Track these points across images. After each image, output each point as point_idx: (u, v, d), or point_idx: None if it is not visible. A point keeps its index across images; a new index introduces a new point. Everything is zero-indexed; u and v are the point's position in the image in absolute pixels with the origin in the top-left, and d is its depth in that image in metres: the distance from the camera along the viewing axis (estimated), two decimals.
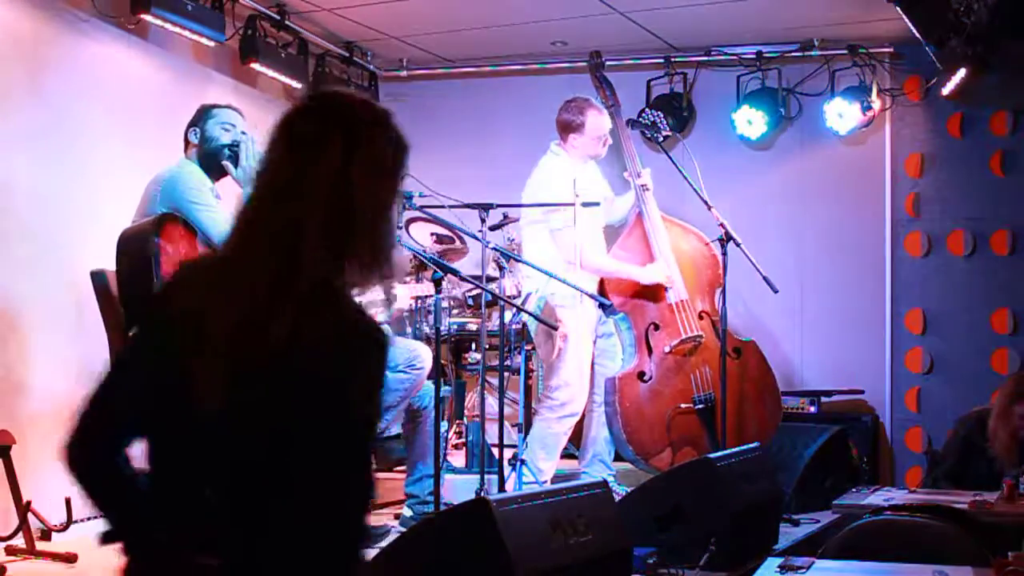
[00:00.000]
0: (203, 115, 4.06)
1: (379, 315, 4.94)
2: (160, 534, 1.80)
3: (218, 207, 3.90)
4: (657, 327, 5.42)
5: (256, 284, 1.79)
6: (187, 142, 4.05)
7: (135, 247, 3.70)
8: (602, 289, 5.37)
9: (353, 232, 1.84)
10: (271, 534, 1.75)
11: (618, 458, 5.53)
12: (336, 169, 1.82)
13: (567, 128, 5.34)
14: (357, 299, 1.89)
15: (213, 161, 4.01)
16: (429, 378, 4.70)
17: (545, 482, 5.11)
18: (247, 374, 1.76)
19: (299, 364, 1.75)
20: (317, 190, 1.81)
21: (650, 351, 5.38)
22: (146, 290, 3.59)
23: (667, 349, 5.39)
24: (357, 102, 1.92)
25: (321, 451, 1.75)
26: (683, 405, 5.36)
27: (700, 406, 5.36)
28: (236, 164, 3.99)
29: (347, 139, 1.84)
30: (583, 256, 5.18)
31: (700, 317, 5.50)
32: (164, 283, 1.93)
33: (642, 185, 5.54)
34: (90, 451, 1.88)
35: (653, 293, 5.43)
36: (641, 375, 5.35)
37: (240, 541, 1.76)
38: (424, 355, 4.63)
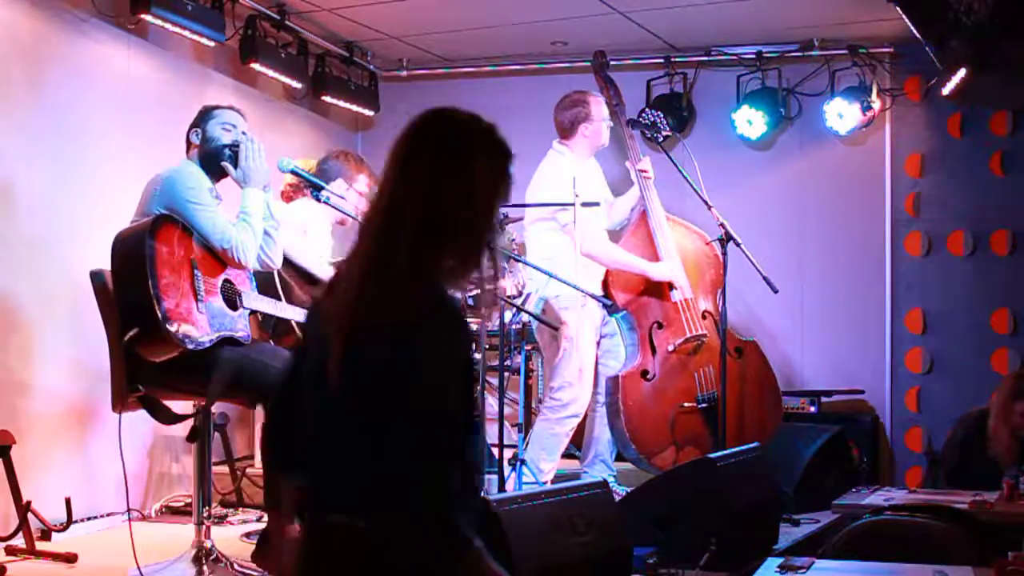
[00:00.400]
0: (205, 116, 4.06)
1: None
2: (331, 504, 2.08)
3: (216, 207, 3.89)
4: (661, 326, 5.42)
5: (354, 280, 2.09)
6: (189, 143, 4.05)
7: (129, 248, 3.68)
8: (606, 288, 5.38)
9: (446, 237, 2.08)
10: (382, 496, 2.03)
11: (619, 458, 5.53)
12: (431, 181, 2.07)
13: (575, 121, 5.35)
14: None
15: (214, 162, 4.00)
16: None
17: (545, 483, 5.11)
18: (351, 354, 2.04)
19: (381, 339, 2.03)
20: (414, 200, 2.06)
21: (653, 350, 5.38)
22: (140, 292, 3.58)
23: (671, 348, 5.38)
24: (456, 119, 2.15)
25: (405, 419, 2.02)
26: (686, 404, 5.36)
27: (703, 405, 5.36)
28: (235, 165, 3.98)
29: (443, 153, 2.10)
30: (596, 246, 5.18)
31: (703, 317, 5.50)
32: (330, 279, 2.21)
33: (641, 171, 5.53)
34: (287, 437, 2.17)
35: (657, 292, 5.43)
36: (644, 373, 5.35)
37: (364, 502, 2.04)
38: None
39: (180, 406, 4.05)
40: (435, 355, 2.02)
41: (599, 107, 5.41)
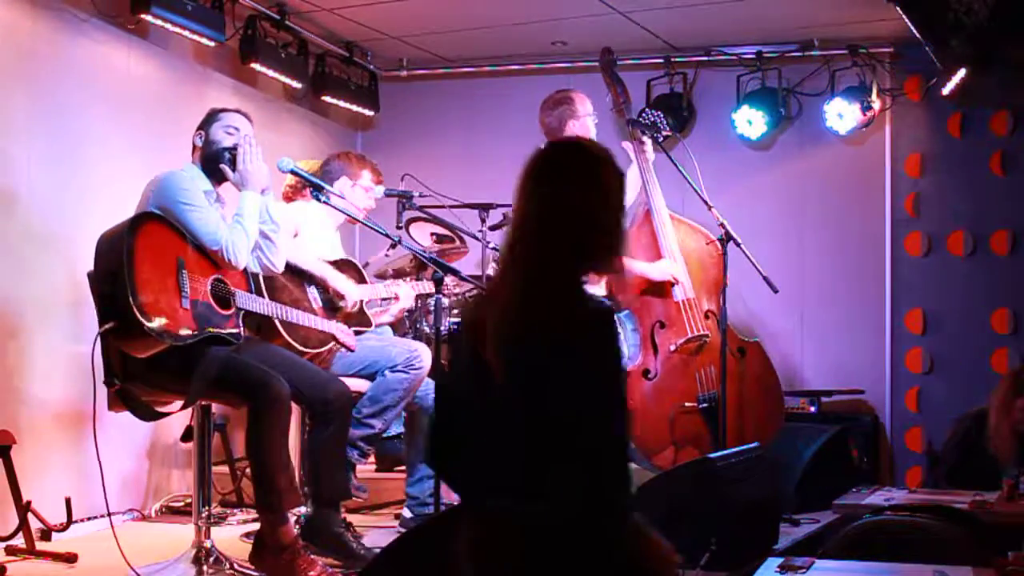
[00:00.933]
0: (209, 119, 4.06)
1: (382, 316, 4.99)
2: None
3: (208, 209, 3.88)
4: (663, 325, 5.41)
5: (513, 296, 2.40)
6: (193, 146, 4.06)
7: (109, 245, 3.70)
8: (609, 287, 5.37)
9: (590, 253, 2.43)
10: (552, 474, 2.30)
11: None
12: (575, 206, 2.40)
13: (563, 120, 5.33)
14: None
15: (215, 165, 4.00)
16: (430, 377, 4.70)
17: None
18: (517, 360, 2.34)
19: (547, 344, 2.33)
20: (561, 224, 2.40)
21: (655, 349, 5.38)
22: (116, 285, 3.58)
23: (673, 348, 5.38)
24: (587, 148, 2.51)
25: (572, 405, 2.30)
26: (687, 404, 5.35)
27: (704, 405, 5.35)
28: (233, 168, 3.98)
29: (581, 181, 2.44)
30: None
31: (706, 317, 5.48)
32: (472, 297, 2.49)
33: (641, 150, 5.50)
34: (442, 440, 2.47)
35: (660, 291, 5.43)
36: (645, 373, 5.35)
37: (535, 481, 2.31)
38: (424, 355, 4.63)
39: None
40: (593, 354, 2.32)
41: (583, 103, 5.38)
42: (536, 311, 2.35)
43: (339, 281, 4.65)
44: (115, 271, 3.60)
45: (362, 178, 4.95)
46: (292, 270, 4.51)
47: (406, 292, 4.95)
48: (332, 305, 4.66)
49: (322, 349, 4.45)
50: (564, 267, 2.39)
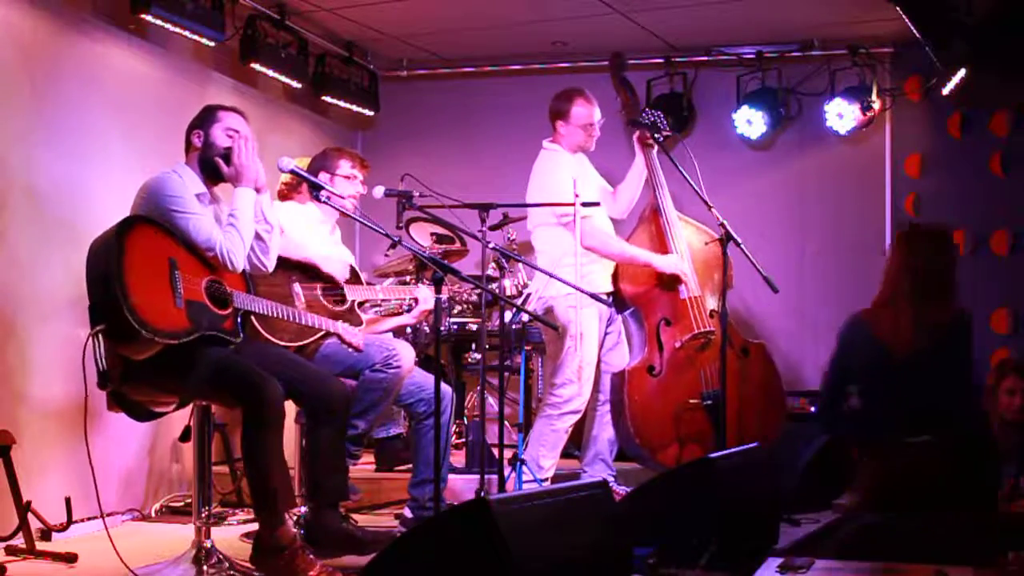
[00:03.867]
0: (208, 117, 4.00)
1: (403, 319, 5.00)
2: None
3: (201, 214, 3.85)
4: (668, 322, 5.42)
5: (904, 308, 4.29)
6: (189, 144, 4.01)
7: (98, 249, 3.70)
8: (615, 284, 5.38)
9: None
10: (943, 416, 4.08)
11: (620, 457, 5.52)
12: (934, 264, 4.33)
13: (555, 115, 5.32)
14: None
15: (213, 166, 3.97)
16: (429, 375, 4.70)
17: (546, 480, 5.11)
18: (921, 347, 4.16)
19: (941, 340, 4.14)
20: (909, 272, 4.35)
21: (660, 346, 5.38)
22: (106, 288, 3.57)
23: (678, 345, 5.38)
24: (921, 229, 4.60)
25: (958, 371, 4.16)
26: (691, 401, 5.35)
27: (708, 402, 5.34)
28: (228, 163, 3.95)
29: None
30: (595, 239, 5.15)
31: (711, 315, 5.48)
32: (864, 313, 4.45)
33: (639, 140, 5.50)
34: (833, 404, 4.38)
35: (665, 288, 5.43)
36: (650, 369, 5.35)
37: (933, 422, 3.98)
38: (403, 353, 4.59)
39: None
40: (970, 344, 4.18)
41: (583, 109, 5.29)
42: (925, 318, 4.17)
43: (329, 264, 4.64)
44: (105, 275, 3.59)
45: (340, 167, 4.89)
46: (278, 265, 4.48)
47: (425, 294, 4.93)
48: (338, 298, 4.66)
49: (293, 344, 4.40)
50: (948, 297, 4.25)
